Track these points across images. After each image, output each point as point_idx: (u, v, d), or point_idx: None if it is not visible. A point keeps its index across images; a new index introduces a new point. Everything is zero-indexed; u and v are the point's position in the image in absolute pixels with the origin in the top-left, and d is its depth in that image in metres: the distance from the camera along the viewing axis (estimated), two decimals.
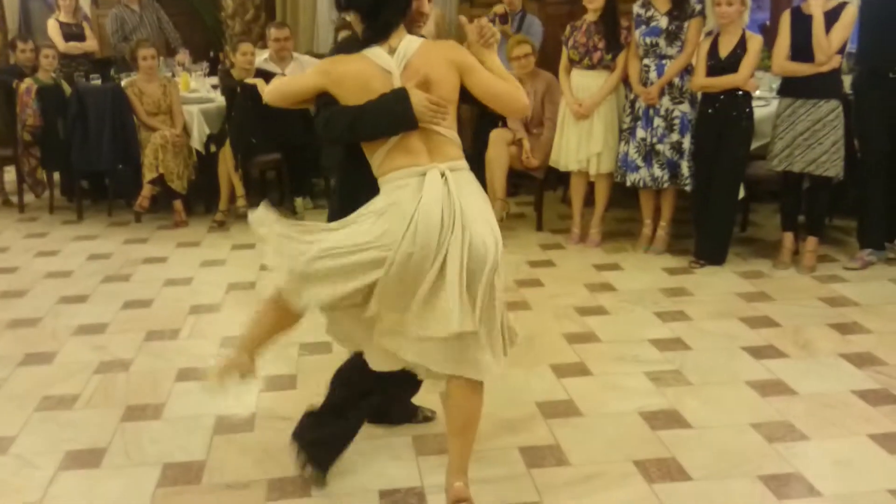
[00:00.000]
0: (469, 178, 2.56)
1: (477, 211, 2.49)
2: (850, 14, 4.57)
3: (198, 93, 6.71)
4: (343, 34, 6.64)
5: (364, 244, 2.45)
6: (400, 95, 2.47)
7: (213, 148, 6.29)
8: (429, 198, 2.42)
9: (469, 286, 2.43)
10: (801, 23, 4.63)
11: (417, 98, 2.45)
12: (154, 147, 5.95)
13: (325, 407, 2.91)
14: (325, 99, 2.58)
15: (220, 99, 6.36)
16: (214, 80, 6.95)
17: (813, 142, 4.68)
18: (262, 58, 6.44)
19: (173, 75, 6.90)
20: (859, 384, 3.53)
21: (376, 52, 2.53)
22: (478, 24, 2.69)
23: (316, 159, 6.35)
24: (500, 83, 2.61)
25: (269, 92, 2.72)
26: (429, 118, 2.47)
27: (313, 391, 3.52)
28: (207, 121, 6.25)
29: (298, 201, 6.44)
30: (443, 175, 2.46)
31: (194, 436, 3.22)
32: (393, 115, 2.46)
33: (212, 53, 8.08)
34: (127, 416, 3.37)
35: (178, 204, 6.13)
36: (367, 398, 2.89)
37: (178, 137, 6.06)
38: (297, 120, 6.15)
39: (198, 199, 6.43)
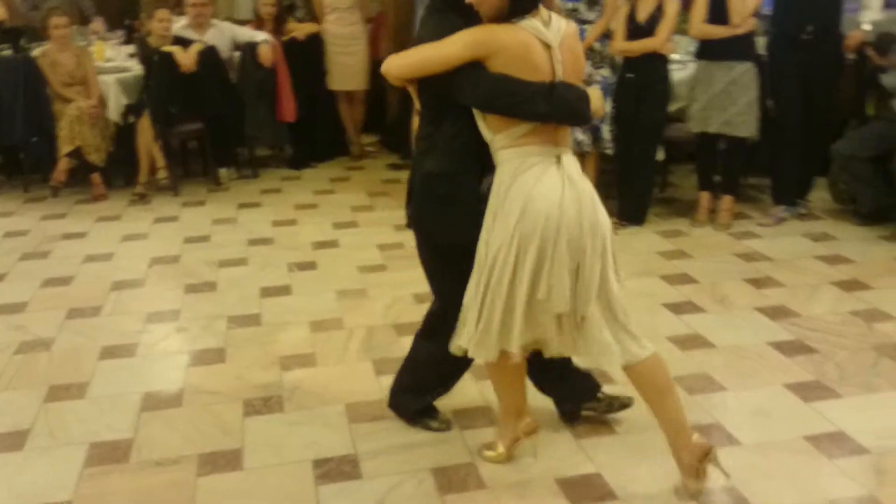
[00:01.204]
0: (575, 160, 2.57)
1: (592, 191, 2.53)
2: None
3: (114, 62, 6.51)
4: (265, 0, 6.52)
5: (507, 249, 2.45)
6: (583, 95, 2.48)
7: (131, 119, 6.12)
8: (553, 182, 2.44)
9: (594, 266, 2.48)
10: None
11: (597, 101, 2.50)
12: (69, 119, 5.77)
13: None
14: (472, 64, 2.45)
15: (137, 68, 6.18)
16: (131, 48, 6.74)
17: (727, 103, 4.80)
18: (179, 25, 6.27)
19: (88, 45, 6.67)
20: (774, 336, 3.67)
21: (534, 25, 2.42)
22: None
23: (239, 128, 6.25)
24: None
25: (398, 65, 2.54)
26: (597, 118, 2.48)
27: (242, 364, 3.53)
28: (125, 91, 6.07)
29: (223, 172, 6.34)
30: (559, 158, 2.48)
31: (121, 413, 3.17)
32: (573, 112, 2.47)
33: (127, 21, 7.81)
34: (50, 397, 3.30)
35: (96, 177, 5.97)
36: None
37: (95, 108, 5.88)
38: (218, 88, 6.04)
39: (117, 172, 6.26)
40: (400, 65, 2.54)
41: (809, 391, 3.21)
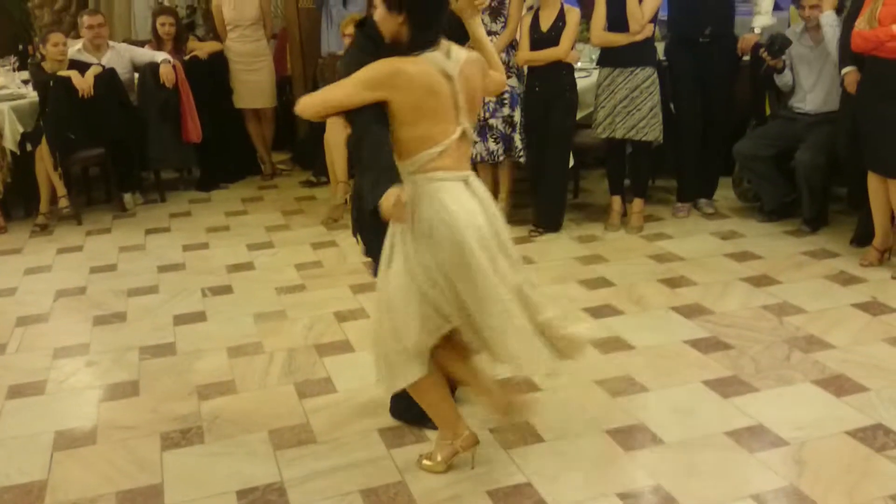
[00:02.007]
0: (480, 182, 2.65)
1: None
2: None
3: (7, 89, 6.26)
4: (162, 19, 6.38)
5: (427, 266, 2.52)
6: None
7: (28, 147, 5.89)
8: (472, 203, 2.54)
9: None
10: None
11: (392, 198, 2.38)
12: None
13: None
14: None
15: (32, 94, 5.96)
16: (25, 74, 6.50)
17: (632, 108, 4.91)
18: (75, 48, 6.07)
19: None
20: (690, 334, 3.75)
21: (437, 57, 2.50)
22: None
23: (142, 151, 6.08)
24: (499, 78, 2.75)
25: (306, 104, 2.54)
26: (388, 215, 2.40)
27: (158, 396, 3.41)
28: (20, 118, 5.83)
29: (127, 197, 6.16)
30: (466, 180, 2.57)
31: (32, 455, 3.03)
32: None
33: (20, 46, 7.55)
34: None
35: None
36: None
37: None
38: (118, 111, 5.87)
39: (16, 203, 6.01)
40: (308, 104, 2.57)
41: (727, 386, 3.28)
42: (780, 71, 4.97)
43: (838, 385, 3.24)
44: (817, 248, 4.72)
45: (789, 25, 5.39)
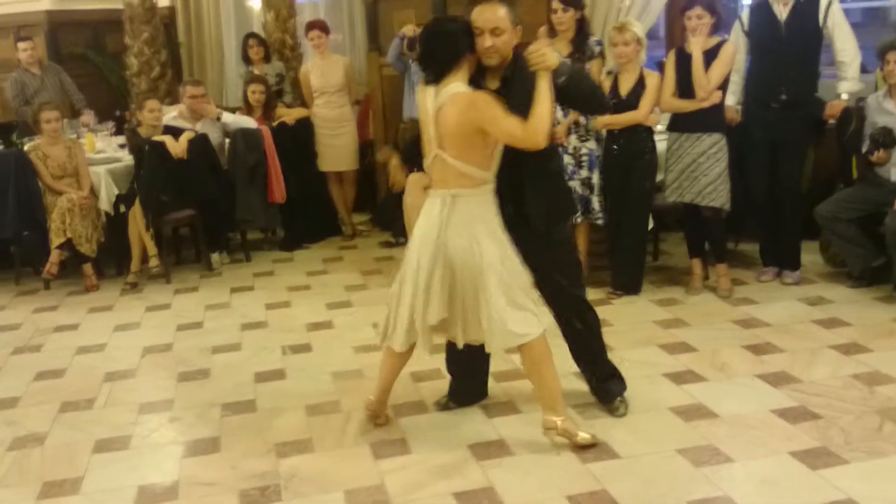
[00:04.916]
0: (469, 203, 3.17)
1: (460, 228, 3.16)
2: (727, 52, 4.74)
3: (104, 153, 6.56)
4: (253, 87, 6.64)
5: None
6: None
7: (122, 208, 6.15)
8: (426, 216, 3.27)
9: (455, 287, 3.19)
10: (685, 61, 4.79)
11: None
12: (61, 211, 5.78)
13: None
14: None
15: (127, 158, 6.24)
16: (121, 139, 6.82)
17: (698, 174, 4.84)
18: (170, 115, 6.35)
19: (78, 137, 6.75)
20: (777, 403, 3.63)
21: (428, 92, 3.18)
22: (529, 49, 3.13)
23: (230, 213, 6.27)
24: (505, 127, 3.08)
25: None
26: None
27: (238, 453, 3.46)
28: (116, 181, 6.12)
29: (215, 257, 6.34)
30: (442, 200, 3.19)
31: None
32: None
33: (117, 112, 7.93)
34: (44, 494, 3.23)
35: (87, 268, 5.96)
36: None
37: (86, 200, 5.91)
38: (209, 174, 6.09)
39: (108, 262, 6.26)
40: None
41: (816, 458, 3.16)
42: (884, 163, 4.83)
43: None
44: None
45: (876, 88, 5.28)
